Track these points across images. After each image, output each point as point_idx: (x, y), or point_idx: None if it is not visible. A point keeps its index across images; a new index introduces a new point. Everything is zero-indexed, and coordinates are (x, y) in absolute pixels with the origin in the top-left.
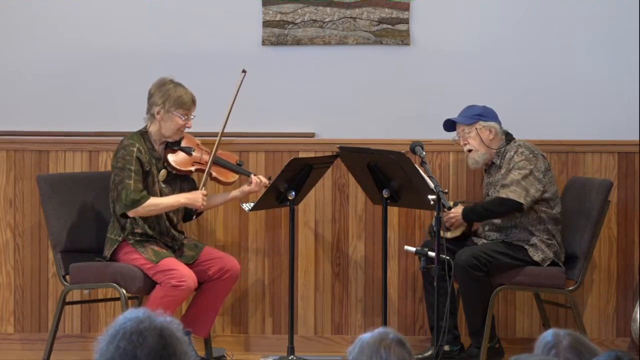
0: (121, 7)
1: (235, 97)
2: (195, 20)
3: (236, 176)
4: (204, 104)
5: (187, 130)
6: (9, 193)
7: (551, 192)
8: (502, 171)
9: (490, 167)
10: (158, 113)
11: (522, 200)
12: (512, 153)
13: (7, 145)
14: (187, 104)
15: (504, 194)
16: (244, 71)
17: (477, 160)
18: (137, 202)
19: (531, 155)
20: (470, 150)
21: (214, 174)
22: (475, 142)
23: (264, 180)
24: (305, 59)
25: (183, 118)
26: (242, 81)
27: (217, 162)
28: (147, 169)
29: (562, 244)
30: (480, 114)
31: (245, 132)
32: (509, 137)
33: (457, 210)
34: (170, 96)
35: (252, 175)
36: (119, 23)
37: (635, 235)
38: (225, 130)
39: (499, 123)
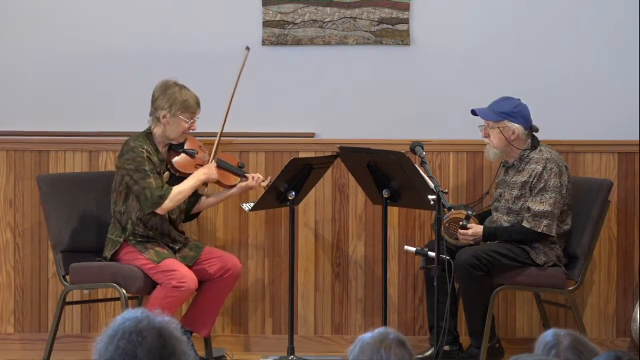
0: (121, 7)
1: (239, 75)
2: (196, 20)
3: (237, 179)
4: (204, 104)
5: (190, 131)
6: (9, 193)
7: (568, 205)
8: (522, 178)
9: (509, 166)
10: (164, 117)
11: (553, 233)
12: (539, 167)
13: (7, 145)
14: (192, 107)
15: (537, 226)
16: (247, 48)
17: (490, 156)
18: (163, 198)
19: (559, 171)
20: (488, 143)
21: None
22: (496, 139)
23: (260, 177)
24: (305, 59)
25: (189, 121)
26: (245, 59)
27: (219, 165)
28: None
29: (565, 252)
30: (508, 114)
31: (245, 132)
32: (534, 143)
33: (477, 231)
34: (176, 100)
35: (249, 174)
36: (119, 23)
37: (635, 235)
38: (225, 130)
39: (528, 124)
